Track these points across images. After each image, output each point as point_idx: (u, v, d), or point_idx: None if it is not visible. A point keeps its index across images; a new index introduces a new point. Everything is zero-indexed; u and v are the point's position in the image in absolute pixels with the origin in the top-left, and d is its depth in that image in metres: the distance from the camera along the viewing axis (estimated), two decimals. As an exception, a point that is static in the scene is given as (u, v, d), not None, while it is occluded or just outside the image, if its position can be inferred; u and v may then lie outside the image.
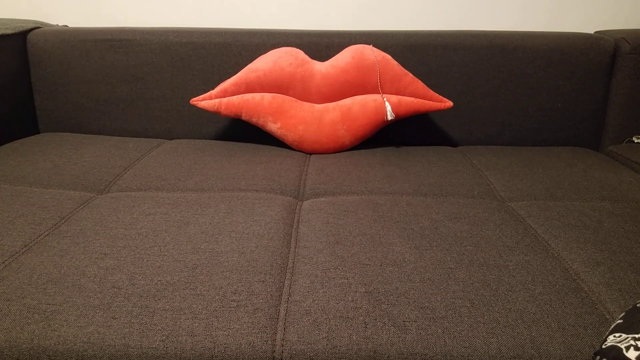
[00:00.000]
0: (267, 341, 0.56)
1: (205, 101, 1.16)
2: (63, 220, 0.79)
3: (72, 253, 0.69)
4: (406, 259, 0.69)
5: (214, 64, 1.26)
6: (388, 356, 0.55)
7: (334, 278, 0.65)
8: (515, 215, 0.85)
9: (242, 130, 1.30)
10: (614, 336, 0.50)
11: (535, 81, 1.26)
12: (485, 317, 0.58)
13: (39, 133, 1.33)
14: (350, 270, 0.66)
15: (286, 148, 1.21)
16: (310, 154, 1.20)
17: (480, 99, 1.27)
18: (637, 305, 0.54)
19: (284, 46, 1.23)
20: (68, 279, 0.63)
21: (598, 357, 0.49)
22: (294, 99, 1.16)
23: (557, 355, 0.54)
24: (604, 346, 0.50)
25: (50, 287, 0.62)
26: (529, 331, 0.57)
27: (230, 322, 0.57)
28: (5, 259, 0.67)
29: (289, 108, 1.15)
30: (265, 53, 1.20)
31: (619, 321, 0.53)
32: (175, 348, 0.55)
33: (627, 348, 0.47)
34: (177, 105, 1.29)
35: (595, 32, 1.37)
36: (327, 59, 1.22)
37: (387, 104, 1.14)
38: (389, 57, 1.17)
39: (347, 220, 0.80)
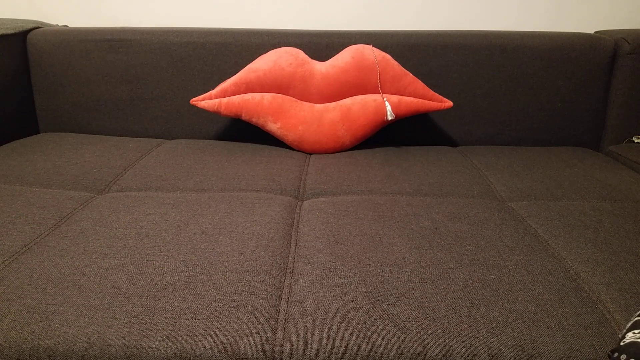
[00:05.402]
0: (267, 341, 0.56)
1: (205, 101, 1.16)
2: (63, 220, 0.79)
3: (72, 253, 0.69)
4: (406, 259, 0.69)
5: (214, 64, 1.26)
6: (388, 356, 0.55)
7: (334, 278, 0.65)
8: (515, 215, 0.85)
9: (242, 130, 1.30)
10: (633, 333, 0.49)
11: (535, 81, 1.26)
12: (485, 317, 0.58)
13: (39, 133, 1.33)
14: (350, 270, 0.66)
15: (286, 148, 1.21)
16: (310, 154, 1.20)
17: (480, 99, 1.27)
18: None
19: (284, 46, 1.23)
20: (68, 279, 0.63)
21: (616, 354, 0.49)
22: (294, 99, 1.16)
23: (557, 355, 0.54)
24: (622, 343, 0.49)
25: (50, 287, 0.62)
26: (529, 331, 0.57)
27: (230, 322, 0.57)
28: (5, 259, 0.67)
29: (289, 108, 1.15)
30: (265, 53, 1.20)
31: (637, 318, 0.52)
32: (175, 348, 0.55)
33: None
34: (177, 105, 1.29)
35: (595, 32, 1.37)
36: (327, 59, 1.22)
37: (387, 104, 1.14)
38: (389, 57, 1.17)
39: (347, 220, 0.80)
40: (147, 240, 0.73)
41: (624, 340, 0.49)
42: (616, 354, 0.49)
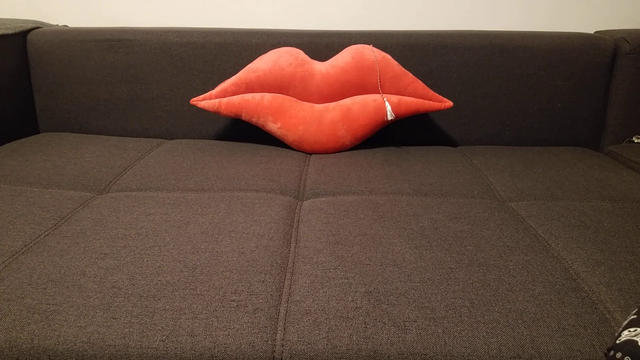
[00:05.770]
0: (267, 341, 0.56)
1: (205, 101, 1.16)
2: (63, 220, 0.79)
3: (72, 253, 0.69)
4: (406, 259, 0.69)
5: (214, 64, 1.26)
6: (388, 356, 0.55)
7: (334, 278, 0.65)
8: (515, 215, 0.85)
9: (242, 130, 1.30)
10: (629, 331, 0.50)
11: (535, 81, 1.26)
12: (485, 317, 0.58)
13: (39, 133, 1.33)
14: (350, 270, 0.66)
15: (286, 148, 1.21)
16: (310, 154, 1.20)
17: (480, 99, 1.27)
18: None
19: (284, 46, 1.23)
20: (68, 279, 0.63)
21: (612, 352, 0.49)
22: (294, 99, 1.16)
23: (557, 355, 0.54)
24: (618, 341, 0.50)
25: (50, 287, 0.62)
26: (529, 331, 0.57)
27: (230, 322, 0.57)
28: (5, 259, 0.67)
29: (289, 108, 1.15)
30: (265, 53, 1.20)
31: (632, 317, 0.52)
32: (175, 348, 0.55)
33: None
34: (177, 105, 1.29)
35: (595, 32, 1.37)
36: (327, 59, 1.22)
37: (387, 104, 1.14)
38: (389, 57, 1.17)
39: (347, 220, 0.80)
40: (147, 240, 0.73)
41: (620, 338, 0.50)
42: (612, 352, 0.49)
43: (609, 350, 0.50)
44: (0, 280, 0.63)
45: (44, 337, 0.55)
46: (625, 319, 0.55)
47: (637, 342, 0.47)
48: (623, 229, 0.79)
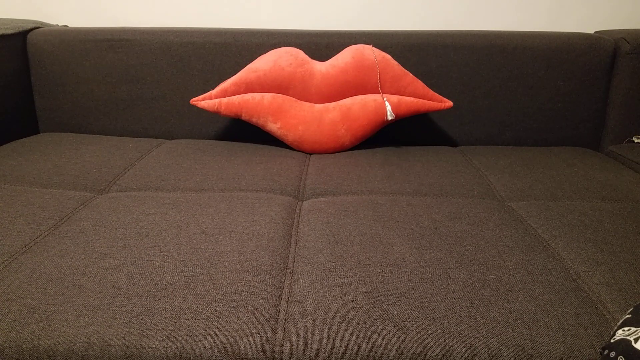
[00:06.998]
0: (267, 341, 0.56)
1: (205, 101, 1.16)
2: (63, 220, 0.79)
3: (72, 253, 0.69)
4: (406, 259, 0.69)
5: (214, 64, 1.26)
6: (388, 356, 0.55)
7: (334, 278, 0.65)
8: (515, 215, 0.85)
9: (242, 130, 1.30)
10: (623, 330, 0.50)
11: (535, 81, 1.26)
12: (485, 317, 0.58)
13: (39, 133, 1.33)
14: (350, 270, 0.66)
15: (286, 148, 1.21)
16: (310, 154, 1.20)
17: (480, 99, 1.27)
18: None
19: (284, 46, 1.23)
20: (68, 279, 0.63)
21: (606, 351, 0.49)
22: (294, 99, 1.16)
23: (557, 355, 0.54)
24: (612, 340, 0.50)
25: (50, 287, 0.62)
26: (529, 331, 0.57)
27: (230, 322, 0.57)
28: (5, 259, 0.67)
29: (289, 108, 1.15)
30: (265, 53, 1.20)
31: (627, 316, 0.52)
32: (175, 348, 0.55)
33: (637, 340, 0.47)
34: (177, 105, 1.29)
35: (595, 32, 1.37)
36: (327, 59, 1.22)
37: (387, 104, 1.14)
38: (389, 57, 1.17)
39: (347, 220, 0.80)
40: (147, 240, 0.73)
41: (614, 337, 0.50)
42: (606, 351, 0.49)
43: (603, 349, 0.50)
44: (0, 280, 0.63)
45: (44, 337, 0.55)
46: (622, 317, 0.56)
47: (630, 341, 0.47)
48: (623, 229, 0.79)
